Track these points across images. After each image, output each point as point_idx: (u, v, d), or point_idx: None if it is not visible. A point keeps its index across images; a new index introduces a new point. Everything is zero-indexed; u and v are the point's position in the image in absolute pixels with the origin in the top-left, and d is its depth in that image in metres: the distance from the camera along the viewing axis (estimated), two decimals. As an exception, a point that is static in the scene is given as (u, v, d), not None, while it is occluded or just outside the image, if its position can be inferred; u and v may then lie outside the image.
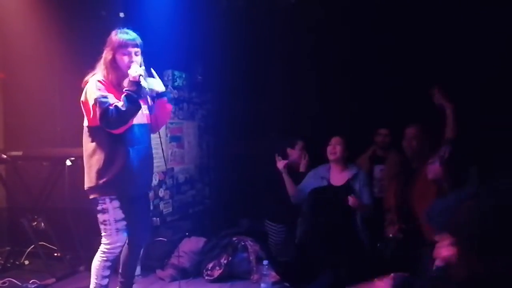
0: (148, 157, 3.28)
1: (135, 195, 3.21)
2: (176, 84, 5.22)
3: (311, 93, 5.41)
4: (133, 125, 3.11)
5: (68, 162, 4.14)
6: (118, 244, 3.14)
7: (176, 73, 5.24)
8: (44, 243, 4.64)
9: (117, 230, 3.11)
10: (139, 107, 3.04)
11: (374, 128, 4.88)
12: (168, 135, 5.03)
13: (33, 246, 4.56)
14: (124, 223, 3.12)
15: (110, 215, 3.09)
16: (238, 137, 5.78)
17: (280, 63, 5.57)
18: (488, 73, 4.43)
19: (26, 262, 4.68)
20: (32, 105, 5.03)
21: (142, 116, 3.18)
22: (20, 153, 4.42)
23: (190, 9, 5.07)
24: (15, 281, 4.06)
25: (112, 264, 3.18)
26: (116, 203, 3.10)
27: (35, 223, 4.57)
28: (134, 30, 3.21)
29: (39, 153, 4.52)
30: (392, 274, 2.88)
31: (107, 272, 3.16)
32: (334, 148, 4.25)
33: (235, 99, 5.77)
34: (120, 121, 2.95)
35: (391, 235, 3.91)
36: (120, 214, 3.11)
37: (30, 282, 3.95)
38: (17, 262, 4.64)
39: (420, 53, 4.71)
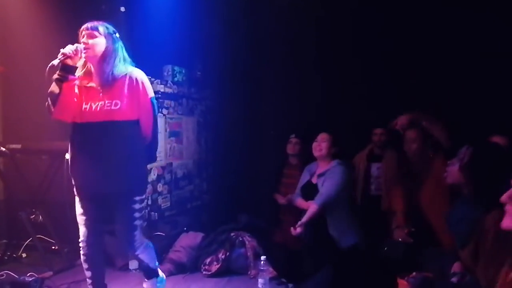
0: (107, 158, 3.01)
1: (92, 196, 3.10)
2: (175, 79, 5.23)
3: (310, 91, 5.42)
4: (82, 124, 3.01)
5: (68, 156, 4.12)
6: (81, 238, 3.13)
7: (176, 68, 5.24)
8: (41, 236, 4.64)
9: (79, 223, 3.13)
10: (56, 89, 2.90)
11: (371, 128, 4.91)
12: (167, 130, 5.04)
13: (30, 239, 4.56)
14: (83, 217, 3.10)
15: (76, 208, 3.15)
16: (237, 133, 5.78)
17: (280, 60, 5.57)
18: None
19: (24, 255, 4.69)
20: (31, 98, 4.99)
21: (94, 113, 2.99)
22: (19, 146, 4.43)
23: (190, 5, 5.07)
24: (13, 274, 4.04)
25: (87, 259, 3.15)
26: (77, 198, 3.13)
27: (33, 216, 4.59)
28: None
29: (38, 146, 4.54)
30: (414, 273, 2.87)
31: (86, 265, 3.18)
32: (320, 144, 4.24)
33: (234, 95, 5.78)
34: (48, 105, 2.97)
35: (400, 239, 3.89)
36: (79, 209, 3.12)
37: (28, 275, 3.91)
38: (14, 255, 4.65)
39: (419, 55, 4.73)
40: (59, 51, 2.86)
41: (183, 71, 5.39)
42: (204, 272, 4.23)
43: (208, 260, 4.26)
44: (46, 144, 4.53)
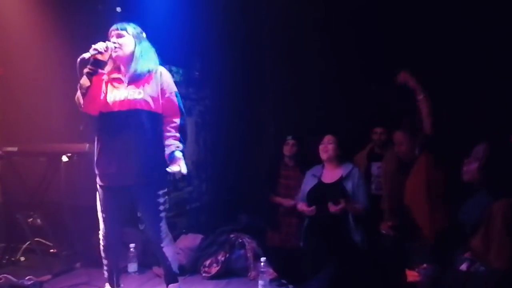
0: (129, 146, 3.15)
1: (119, 185, 3.21)
2: (173, 80, 5.18)
3: (309, 90, 5.40)
4: (106, 113, 3.17)
5: (65, 158, 4.12)
6: (101, 232, 3.32)
7: (173, 68, 5.21)
8: (40, 239, 4.62)
9: (100, 220, 3.30)
10: (86, 82, 3.05)
11: (372, 127, 4.89)
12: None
13: (29, 242, 4.54)
14: (103, 215, 3.27)
15: (98, 204, 3.30)
16: (236, 134, 5.76)
17: (279, 60, 5.56)
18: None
19: (22, 259, 4.64)
20: (29, 100, 5.00)
21: (118, 103, 3.15)
22: (15, 148, 4.40)
23: (188, 4, 5.04)
24: (11, 277, 4.00)
25: (105, 249, 3.35)
26: (100, 194, 3.27)
27: (31, 219, 4.55)
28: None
29: (35, 148, 4.50)
30: (424, 265, 2.90)
31: (103, 254, 3.38)
32: (326, 146, 4.29)
33: (232, 96, 5.76)
34: (77, 98, 3.12)
35: (384, 232, 4.00)
36: (99, 206, 3.27)
37: (26, 278, 3.89)
38: (12, 258, 4.61)
39: (423, 53, 4.70)
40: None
41: (181, 72, 5.36)
42: (203, 274, 4.20)
43: (207, 262, 4.24)
44: (43, 146, 4.50)
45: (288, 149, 4.86)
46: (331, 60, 5.21)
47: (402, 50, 4.82)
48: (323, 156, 4.30)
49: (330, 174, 4.31)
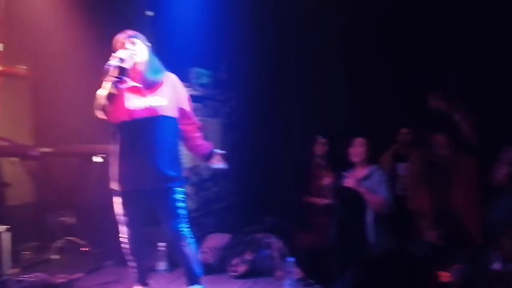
0: (150, 153, 3.18)
1: (141, 188, 3.23)
2: (201, 81, 5.24)
3: (335, 92, 5.39)
4: (128, 121, 3.16)
5: (98, 159, 4.20)
6: (124, 236, 3.35)
7: (202, 71, 5.27)
8: (72, 238, 4.71)
9: (120, 222, 3.32)
10: (113, 90, 3.03)
11: (397, 128, 4.88)
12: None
13: (61, 241, 4.64)
14: (124, 218, 3.29)
15: (115, 209, 3.31)
16: (262, 134, 5.78)
17: (305, 62, 5.56)
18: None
19: (54, 257, 4.73)
20: (62, 102, 5.09)
21: (140, 110, 3.16)
22: (50, 149, 4.50)
23: (216, 7, 5.10)
24: (44, 275, 4.06)
25: (132, 252, 3.37)
26: (117, 199, 3.28)
27: (63, 218, 4.66)
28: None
29: (69, 149, 4.61)
30: (456, 265, 2.91)
31: (130, 257, 3.40)
32: (357, 149, 4.27)
33: (259, 97, 5.78)
34: (102, 106, 3.09)
35: (430, 241, 3.89)
36: (119, 210, 3.29)
37: (59, 276, 3.98)
38: (45, 257, 4.70)
39: (448, 54, 4.67)
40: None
41: (208, 73, 5.41)
42: (231, 273, 4.24)
43: (234, 261, 4.27)
44: (76, 147, 4.60)
45: (320, 148, 4.86)
46: (357, 62, 5.20)
47: (428, 52, 4.80)
48: (354, 159, 4.28)
49: (355, 176, 4.30)
